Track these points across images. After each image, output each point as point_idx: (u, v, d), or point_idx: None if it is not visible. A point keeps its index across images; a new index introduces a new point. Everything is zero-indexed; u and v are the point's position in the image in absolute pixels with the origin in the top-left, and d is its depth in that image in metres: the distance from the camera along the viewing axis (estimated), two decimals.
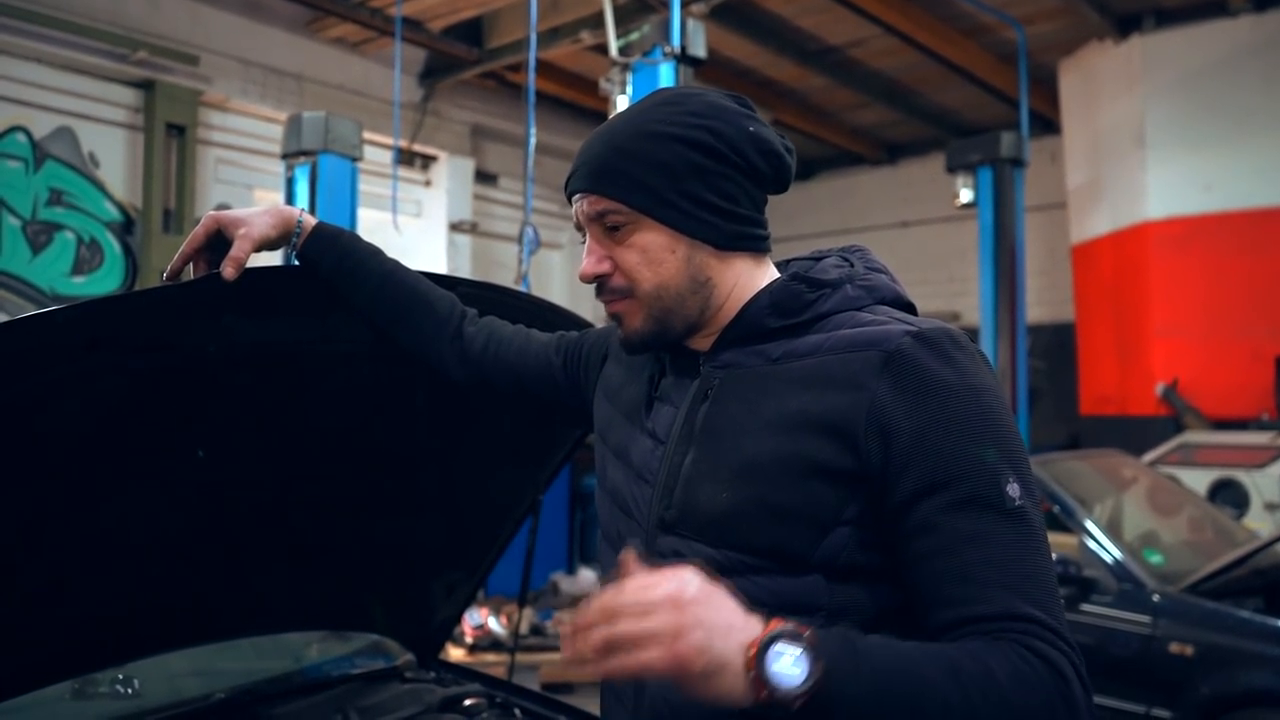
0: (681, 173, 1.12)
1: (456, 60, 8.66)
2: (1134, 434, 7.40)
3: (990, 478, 0.98)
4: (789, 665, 0.83)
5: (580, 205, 1.17)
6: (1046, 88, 9.16)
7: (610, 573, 1.21)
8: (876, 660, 0.88)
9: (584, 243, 1.19)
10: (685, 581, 0.86)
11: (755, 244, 1.18)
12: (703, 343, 1.18)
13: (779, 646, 0.83)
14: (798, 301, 1.12)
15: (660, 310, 1.15)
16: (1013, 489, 0.98)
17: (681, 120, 1.13)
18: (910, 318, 1.10)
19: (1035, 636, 0.92)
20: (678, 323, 1.16)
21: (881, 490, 1.01)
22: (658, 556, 1.12)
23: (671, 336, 1.17)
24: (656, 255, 1.13)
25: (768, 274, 1.19)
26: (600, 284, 1.17)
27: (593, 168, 1.15)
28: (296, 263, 1.50)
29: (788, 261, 1.22)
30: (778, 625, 0.85)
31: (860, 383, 1.03)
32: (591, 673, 0.86)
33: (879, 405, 1.01)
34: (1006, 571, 0.96)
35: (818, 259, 1.20)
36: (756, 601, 1.03)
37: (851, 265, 1.17)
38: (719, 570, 1.05)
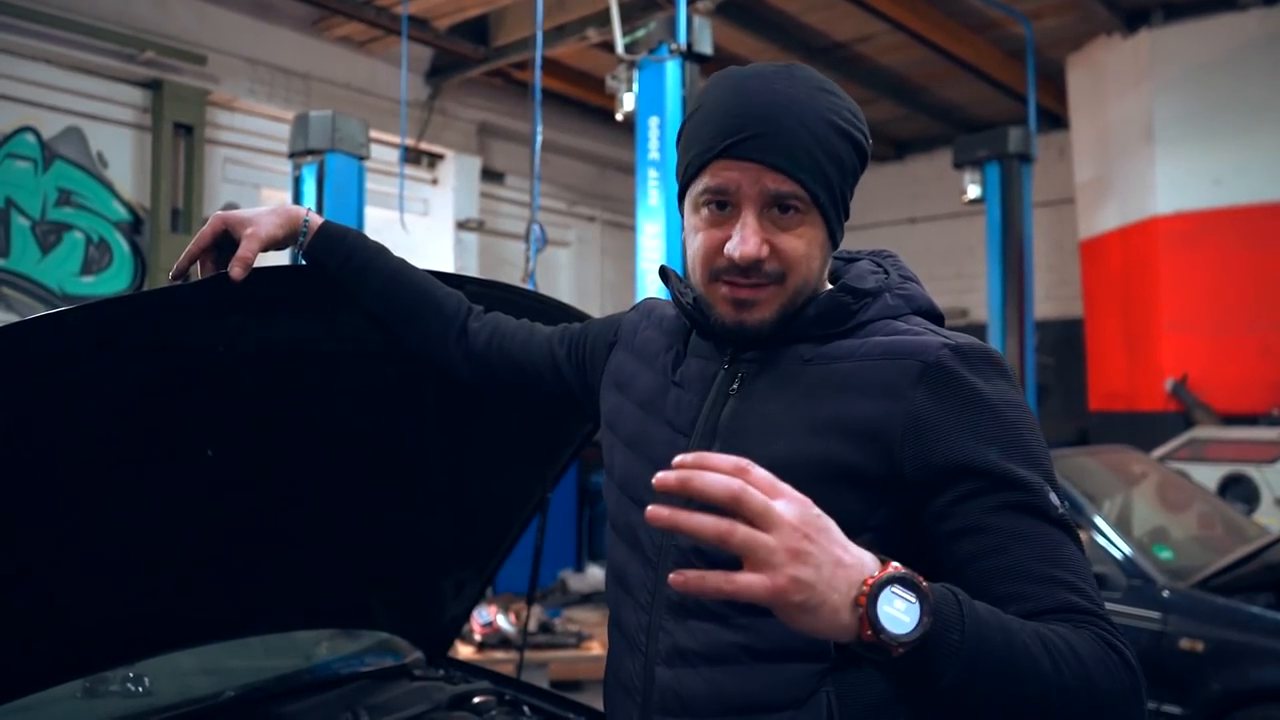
0: (848, 174, 1.11)
1: (463, 58, 8.66)
2: (1143, 429, 7.38)
3: (1036, 486, 0.99)
4: (900, 611, 0.80)
5: (747, 176, 1.06)
6: (1054, 83, 9.12)
7: (621, 558, 1.20)
8: (980, 620, 0.85)
9: (712, 206, 1.09)
10: (804, 504, 0.82)
11: None
12: None
13: (895, 589, 0.81)
14: (844, 313, 1.11)
15: (793, 306, 1.11)
16: (1053, 498, 0.99)
17: (849, 118, 1.10)
18: (945, 331, 1.10)
19: (1100, 628, 0.93)
20: (791, 316, 1.12)
21: (917, 498, 1.01)
22: (674, 550, 1.12)
23: (781, 332, 1.13)
24: (814, 251, 1.10)
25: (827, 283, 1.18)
26: (749, 269, 1.07)
27: (781, 142, 1.05)
28: (303, 262, 1.51)
29: None
30: (894, 569, 0.82)
31: (897, 391, 1.03)
32: (693, 526, 0.79)
33: (916, 414, 1.01)
34: (1060, 567, 0.96)
35: (848, 260, 1.20)
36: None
37: (886, 273, 1.17)
38: (740, 565, 1.05)
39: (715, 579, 0.79)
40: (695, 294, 1.16)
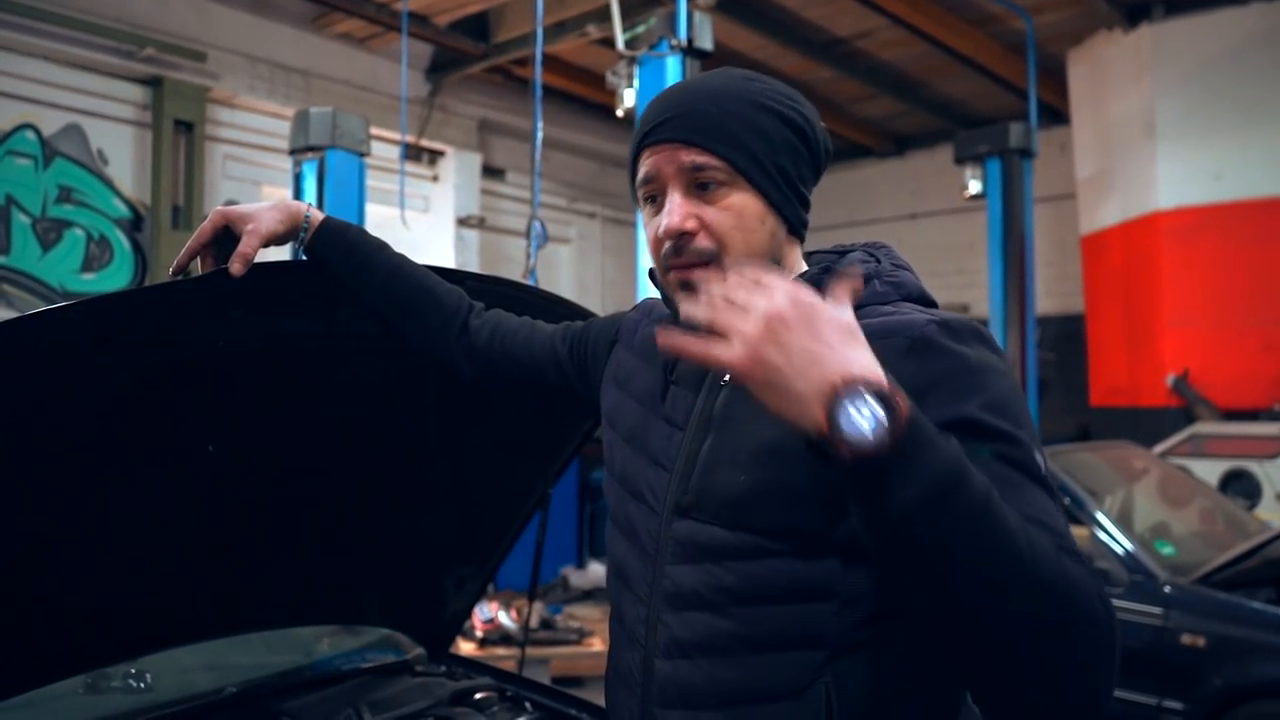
0: (778, 145, 1.11)
1: (463, 55, 8.65)
2: (1144, 425, 7.37)
3: (1022, 444, 0.98)
4: (865, 419, 0.80)
5: (666, 157, 1.10)
6: (1055, 78, 9.11)
7: (620, 552, 1.20)
8: (966, 469, 0.84)
9: (646, 200, 1.13)
10: (797, 298, 0.85)
11: (804, 236, 1.18)
12: None
13: (865, 398, 0.81)
14: None
15: None
16: (1039, 458, 0.98)
17: (776, 97, 1.12)
18: (934, 310, 1.10)
19: (1072, 559, 0.90)
20: None
21: None
22: (672, 542, 1.12)
23: None
24: (749, 222, 1.10)
25: (800, 267, 1.19)
26: (679, 246, 1.10)
27: (692, 120, 1.09)
28: (304, 258, 1.50)
29: (809, 254, 1.22)
30: (872, 379, 0.82)
31: (885, 367, 1.03)
32: (684, 338, 0.88)
33: (904, 384, 1.01)
34: (1044, 514, 0.93)
35: (841, 253, 1.20)
36: (772, 586, 1.03)
37: (878, 261, 1.17)
38: (735, 554, 1.05)
39: (694, 343, 0.87)
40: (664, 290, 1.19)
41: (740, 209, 1.09)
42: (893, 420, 0.80)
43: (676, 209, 1.09)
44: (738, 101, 1.10)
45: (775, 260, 1.12)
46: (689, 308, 0.90)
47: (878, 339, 1.05)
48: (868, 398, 0.81)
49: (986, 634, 0.86)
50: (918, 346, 1.02)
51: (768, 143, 1.10)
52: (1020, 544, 0.84)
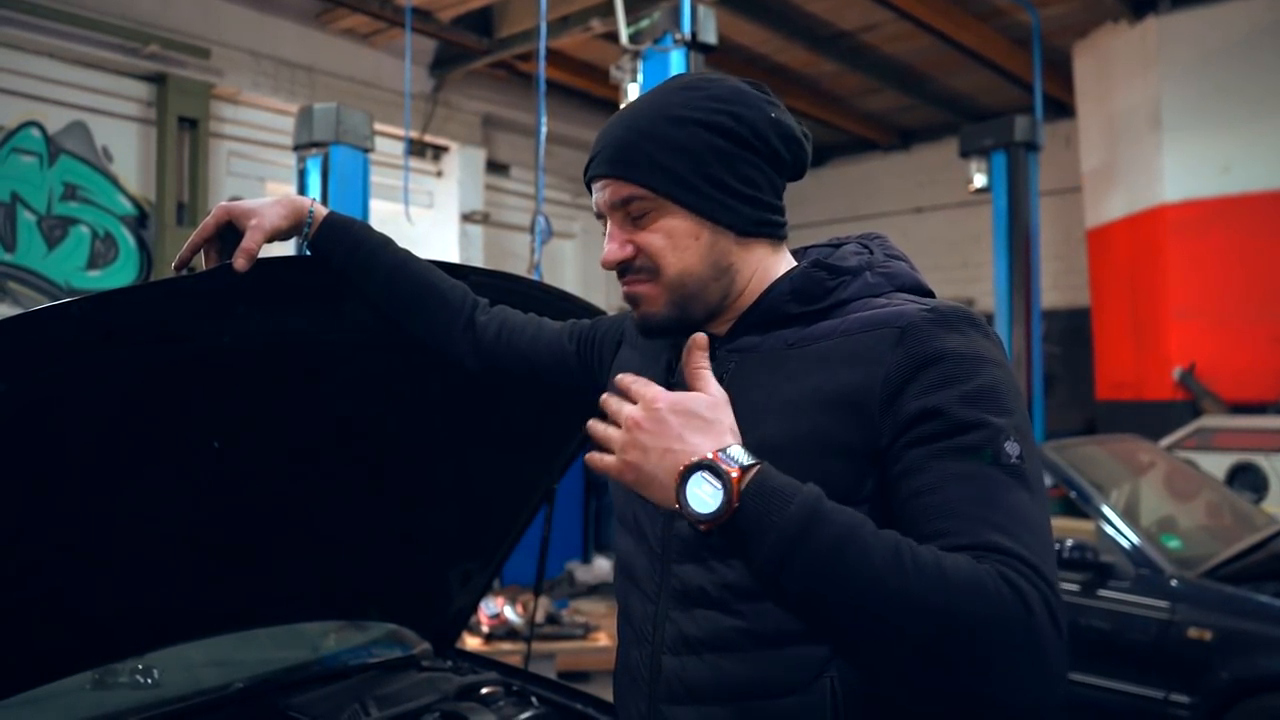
0: (704, 157, 1.11)
1: (467, 50, 8.64)
2: (1151, 419, 7.35)
3: (990, 433, 0.97)
4: (706, 494, 0.92)
5: (601, 194, 1.16)
6: (1061, 71, 9.08)
7: (628, 550, 1.22)
8: (819, 518, 0.90)
9: (605, 233, 1.18)
10: (650, 404, 0.98)
11: (774, 230, 1.18)
12: (720, 327, 1.18)
13: (703, 475, 0.92)
14: (819, 288, 1.12)
15: (682, 296, 1.14)
16: (1011, 448, 0.97)
17: (703, 105, 1.13)
18: (928, 300, 1.10)
19: (1011, 568, 0.89)
20: (698, 309, 1.15)
21: (886, 451, 1.01)
22: (676, 539, 1.13)
23: (691, 323, 1.16)
24: (681, 240, 1.13)
25: (785, 261, 1.19)
26: (623, 270, 1.16)
27: (613, 153, 1.14)
28: (308, 253, 1.50)
29: (805, 249, 1.22)
30: (707, 458, 0.93)
31: (876, 358, 1.03)
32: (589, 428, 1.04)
33: (890, 375, 1.02)
34: (995, 510, 0.94)
35: (836, 246, 1.20)
36: None
37: (871, 252, 1.17)
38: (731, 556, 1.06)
39: (592, 457, 1.02)
40: None
41: (669, 230, 1.13)
42: (727, 492, 0.91)
43: (610, 241, 1.16)
44: (657, 122, 1.13)
45: (722, 268, 1.14)
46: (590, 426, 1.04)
47: (866, 331, 1.05)
48: (705, 477, 0.92)
49: (890, 659, 0.91)
50: (905, 336, 1.03)
51: (691, 157, 1.11)
52: (887, 574, 0.88)
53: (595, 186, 1.17)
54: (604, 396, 1.04)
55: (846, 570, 0.88)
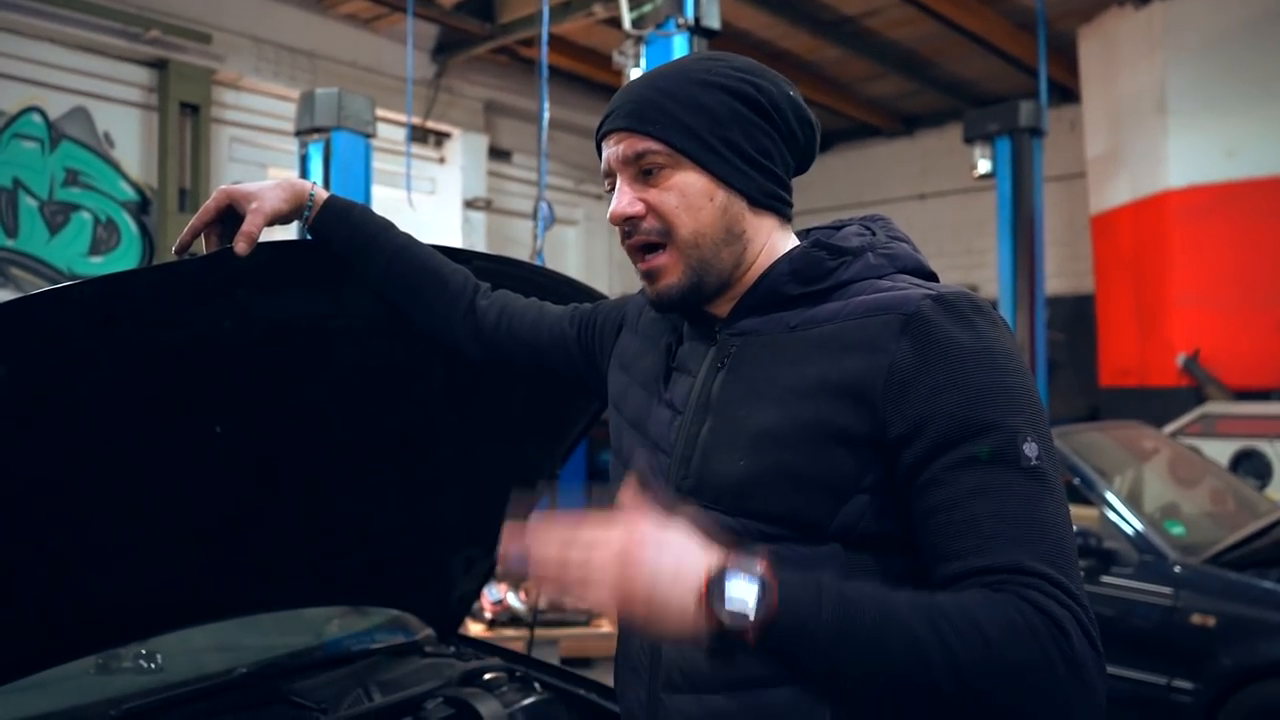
0: (724, 119, 1.10)
1: (469, 35, 8.62)
2: (1155, 405, 7.34)
3: (1006, 436, 0.95)
4: (740, 595, 0.85)
5: (614, 148, 1.13)
6: (1065, 55, 9.03)
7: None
8: (846, 599, 0.86)
9: (610, 190, 1.16)
10: (637, 528, 0.90)
11: (784, 207, 1.17)
12: (721, 309, 1.17)
13: (731, 578, 0.85)
14: (819, 269, 1.11)
15: (698, 260, 1.12)
16: (1030, 448, 0.95)
17: (726, 72, 1.12)
18: (930, 284, 1.08)
19: (1038, 590, 0.89)
20: (713, 277, 1.13)
21: (896, 453, 0.99)
22: None
23: (707, 292, 1.14)
24: (695, 200, 1.11)
25: (790, 242, 1.18)
26: (630, 230, 1.13)
27: (633, 107, 1.12)
28: (309, 237, 1.49)
29: (807, 231, 1.21)
30: (733, 559, 0.87)
31: (879, 346, 1.01)
32: (546, 593, 0.92)
33: (896, 367, 0.99)
34: (1015, 525, 0.92)
35: (838, 228, 1.18)
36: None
37: (873, 234, 1.16)
38: (737, 539, 1.04)
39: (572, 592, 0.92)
40: None
41: (683, 188, 1.11)
42: (763, 586, 0.85)
43: (620, 196, 1.13)
44: (680, 82, 1.11)
45: (735, 233, 1.12)
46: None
47: (872, 315, 1.04)
48: (736, 576, 0.86)
49: (931, 715, 0.88)
50: (910, 325, 1.00)
51: (711, 118, 1.10)
52: (931, 657, 0.85)
53: (608, 143, 1.14)
54: (545, 570, 0.92)
55: (890, 651, 0.86)
